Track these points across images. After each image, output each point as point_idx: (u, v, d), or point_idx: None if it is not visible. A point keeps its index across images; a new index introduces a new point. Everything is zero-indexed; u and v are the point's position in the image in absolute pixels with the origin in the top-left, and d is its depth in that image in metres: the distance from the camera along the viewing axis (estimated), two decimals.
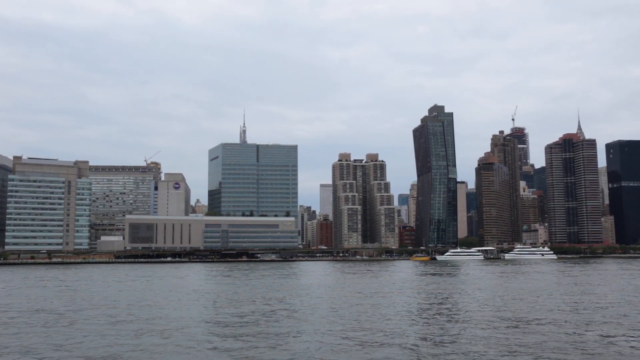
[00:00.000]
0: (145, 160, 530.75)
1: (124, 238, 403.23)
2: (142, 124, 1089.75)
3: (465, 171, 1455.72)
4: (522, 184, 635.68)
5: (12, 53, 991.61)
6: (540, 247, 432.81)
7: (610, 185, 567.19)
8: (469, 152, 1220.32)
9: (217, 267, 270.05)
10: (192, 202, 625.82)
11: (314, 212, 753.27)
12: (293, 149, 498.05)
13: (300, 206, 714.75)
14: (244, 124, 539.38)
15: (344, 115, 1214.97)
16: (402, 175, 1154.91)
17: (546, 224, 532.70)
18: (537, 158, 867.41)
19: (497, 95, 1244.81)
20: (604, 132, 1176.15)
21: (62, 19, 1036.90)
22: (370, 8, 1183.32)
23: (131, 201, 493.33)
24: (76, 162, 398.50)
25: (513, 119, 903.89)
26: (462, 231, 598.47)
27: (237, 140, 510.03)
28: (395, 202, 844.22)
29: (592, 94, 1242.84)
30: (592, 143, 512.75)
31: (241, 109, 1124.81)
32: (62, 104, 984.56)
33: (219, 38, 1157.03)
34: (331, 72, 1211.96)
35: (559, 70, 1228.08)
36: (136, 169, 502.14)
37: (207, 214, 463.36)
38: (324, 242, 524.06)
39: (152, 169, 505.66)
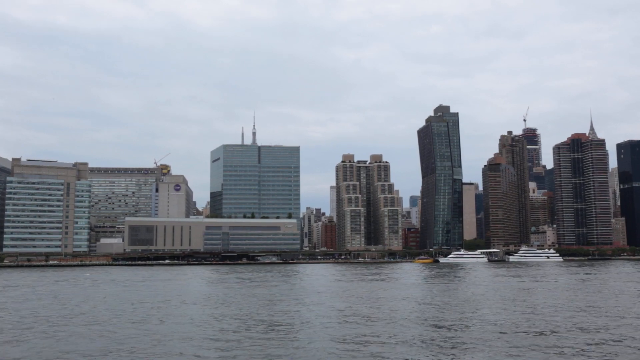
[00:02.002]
0: (155, 163, 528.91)
1: (123, 240, 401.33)
2: (156, 126, 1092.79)
3: (478, 173, 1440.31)
4: (533, 185, 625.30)
5: (27, 56, 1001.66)
6: (546, 249, 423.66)
7: (621, 186, 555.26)
8: (483, 153, 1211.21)
9: (207, 270, 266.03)
10: (200, 205, 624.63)
11: (324, 213, 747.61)
12: (295, 150, 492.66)
13: (308, 208, 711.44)
14: (254, 126, 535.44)
15: (358, 117, 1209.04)
16: (415, 176, 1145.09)
17: (554, 226, 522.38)
18: (550, 159, 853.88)
19: (511, 96, 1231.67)
20: (620, 132, 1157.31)
21: (76, 22, 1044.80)
22: (384, 8, 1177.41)
23: (133, 203, 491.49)
24: (75, 164, 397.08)
25: (525, 120, 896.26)
26: (472, 233, 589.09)
27: (247, 142, 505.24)
28: (407, 204, 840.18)
29: (609, 94, 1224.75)
30: (601, 143, 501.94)
31: (255, 111, 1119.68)
32: (77, 106, 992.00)
33: (232, 40, 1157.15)
34: (344, 73, 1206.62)
35: (575, 70, 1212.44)
36: (138, 170, 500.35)
37: (209, 216, 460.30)
38: (328, 244, 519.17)
39: (155, 170, 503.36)
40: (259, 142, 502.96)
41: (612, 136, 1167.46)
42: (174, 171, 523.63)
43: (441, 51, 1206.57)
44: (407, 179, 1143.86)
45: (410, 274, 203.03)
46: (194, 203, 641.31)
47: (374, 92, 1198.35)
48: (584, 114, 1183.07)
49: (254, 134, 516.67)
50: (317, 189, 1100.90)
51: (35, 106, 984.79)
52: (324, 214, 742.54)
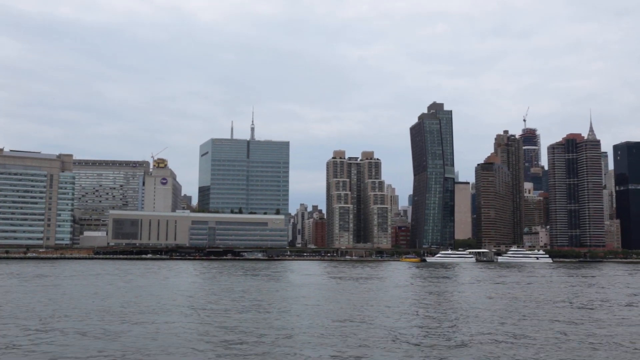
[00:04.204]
0: (152, 157, 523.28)
1: (107, 234, 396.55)
2: (159, 121, 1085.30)
3: None
4: (529, 185, 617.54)
5: (30, 49, 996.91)
6: (536, 250, 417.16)
7: (617, 188, 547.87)
8: (485, 154, 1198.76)
9: (182, 265, 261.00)
10: (195, 200, 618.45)
11: (320, 210, 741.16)
12: (285, 146, 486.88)
13: (301, 204, 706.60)
14: (252, 121, 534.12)
15: (362, 115, 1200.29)
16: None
17: (547, 227, 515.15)
18: None
19: (516, 96, 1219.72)
20: (626, 135, 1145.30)
21: (79, 14, 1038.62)
22: (390, 6, 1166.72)
23: (121, 196, 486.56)
24: (60, 155, 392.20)
25: (524, 120, 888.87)
26: (466, 233, 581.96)
27: (245, 137, 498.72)
28: (405, 202, 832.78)
29: (615, 96, 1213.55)
30: (596, 144, 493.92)
31: (258, 107, 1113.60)
32: (80, 100, 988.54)
33: (236, 35, 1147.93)
34: (349, 71, 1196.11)
35: (581, 71, 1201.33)
36: (127, 163, 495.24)
37: (196, 211, 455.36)
38: (318, 241, 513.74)
39: (143, 163, 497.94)
40: (257, 138, 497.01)
41: (617, 139, 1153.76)
42: (172, 166, 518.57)
43: (447, 50, 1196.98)
44: (407, 178, 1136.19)
45: (388, 274, 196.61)
46: (190, 198, 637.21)
47: (379, 91, 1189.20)
48: (588, 116, 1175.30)
49: (252, 129, 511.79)
50: (318, 187, 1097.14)
51: (38, 99, 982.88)
52: (320, 211, 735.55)
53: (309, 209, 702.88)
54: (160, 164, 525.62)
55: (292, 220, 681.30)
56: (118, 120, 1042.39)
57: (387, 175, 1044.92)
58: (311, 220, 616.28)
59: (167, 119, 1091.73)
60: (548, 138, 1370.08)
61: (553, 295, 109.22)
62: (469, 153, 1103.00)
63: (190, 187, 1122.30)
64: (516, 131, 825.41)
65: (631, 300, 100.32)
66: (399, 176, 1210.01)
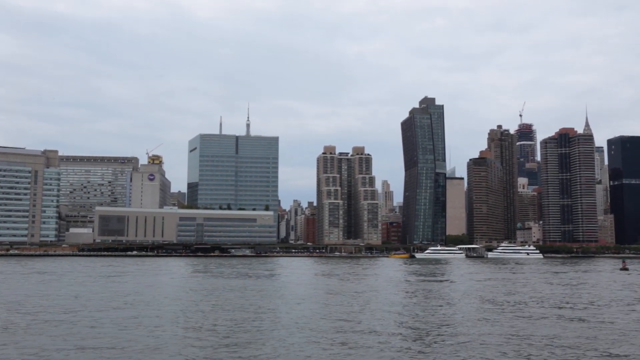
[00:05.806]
0: (147, 153, 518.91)
1: (93, 230, 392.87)
2: (157, 117, 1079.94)
3: None
4: (524, 180, 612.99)
5: (27, 45, 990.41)
6: (527, 246, 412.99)
7: (611, 182, 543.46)
8: (481, 149, 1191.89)
9: (159, 262, 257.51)
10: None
11: (315, 207, 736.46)
12: (274, 141, 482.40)
13: (295, 200, 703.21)
14: (248, 117, 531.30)
15: (361, 111, 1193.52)
16: None
17: (540, 222, 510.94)
18: None
19: (516, 91, 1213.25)
20: (626, 130, 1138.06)
21: (76, 10, 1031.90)
22: (388, 1, 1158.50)
23: (109, 193, 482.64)
24: (44, 151, 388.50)
25: (520, 115, 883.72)
26: (461, 229, 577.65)
27: (241, 134, 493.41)
28: (401, 198, 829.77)
29: (615, 91, 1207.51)
30: (589, 138, 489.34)
31: (256, 103, 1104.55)
32: (78, 96, 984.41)
33: (234, 31, 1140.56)
34: (347, 66, 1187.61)
35: (581, 66, 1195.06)
36: (115, 159, 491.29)
37: (185, 207, 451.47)
38: (310, 237, 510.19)
39: (132, 159, 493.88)
40: (253, 134, 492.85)
41: (617, 133, 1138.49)
42: (169, 162, 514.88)
43: (445, 45, 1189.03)
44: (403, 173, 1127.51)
45: (370, 270, 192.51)
46: (184, 195, 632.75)
47: (377, 86, 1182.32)
48: (589, 111, 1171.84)
49: (247, 125, 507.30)
50: (314, 183, 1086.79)
51: (36, 95, 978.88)
52: (315, 207, 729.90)
53: (304, 205, 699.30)
54: (155, 160, 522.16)
55: (285, 217, 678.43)
56: (116, 117, 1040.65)
57: (384, 170, 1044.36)
58: (303, 216, 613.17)
59: (165, 115, 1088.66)
60: (546, 133, 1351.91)
61: (498, 292, 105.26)
62: (467, 149, 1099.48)
63: (185, 183, 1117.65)
64: (513, 126, 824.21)
65: (577, 299, 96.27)
66: (395, 172, 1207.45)
